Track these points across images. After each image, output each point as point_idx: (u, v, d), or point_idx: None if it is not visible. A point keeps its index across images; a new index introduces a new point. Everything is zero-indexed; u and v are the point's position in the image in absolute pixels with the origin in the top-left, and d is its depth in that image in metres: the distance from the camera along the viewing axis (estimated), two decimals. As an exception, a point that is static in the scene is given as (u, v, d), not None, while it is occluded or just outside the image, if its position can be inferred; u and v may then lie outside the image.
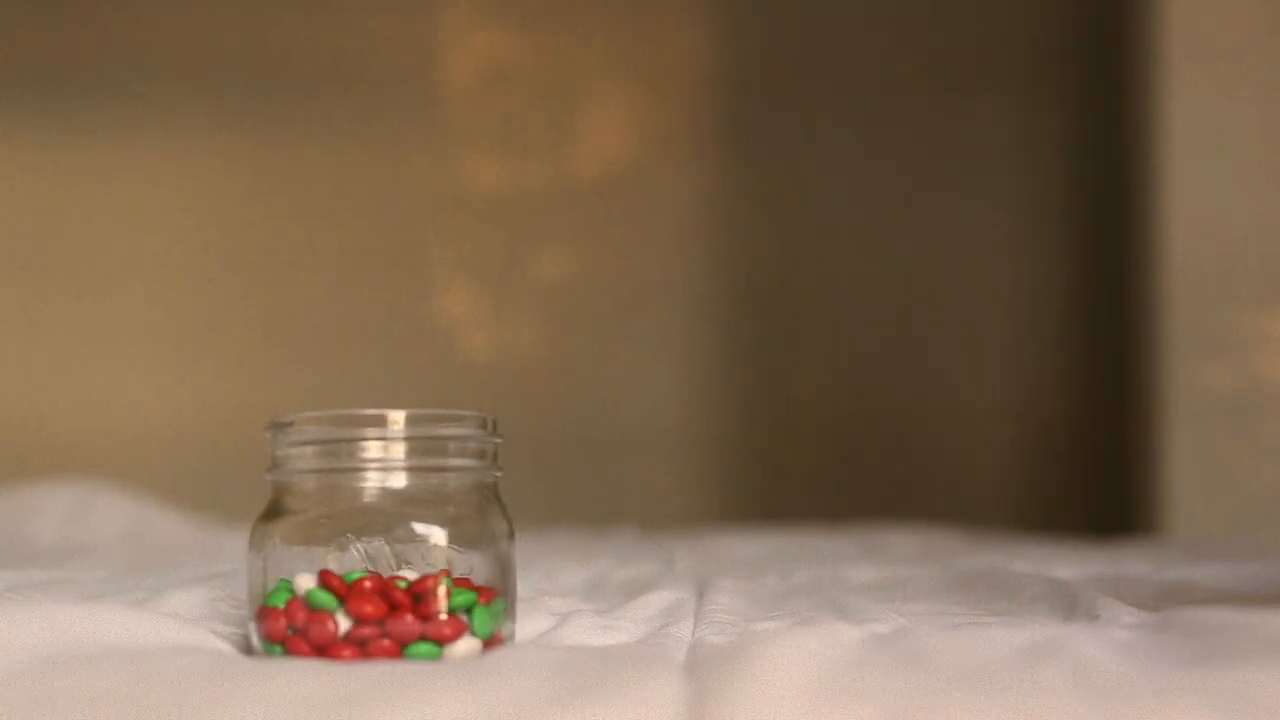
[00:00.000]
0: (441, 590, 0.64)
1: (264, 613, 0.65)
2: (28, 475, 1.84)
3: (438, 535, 0.65)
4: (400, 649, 0.63)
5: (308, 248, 2.28)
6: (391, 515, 0.66)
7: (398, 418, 0.67)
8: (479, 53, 2.30)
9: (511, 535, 0.69)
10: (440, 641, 0.64)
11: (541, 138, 2.29)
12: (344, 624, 0.63)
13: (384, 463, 0.66)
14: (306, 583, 0.65)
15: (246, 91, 2.27)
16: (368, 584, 0.64)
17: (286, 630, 0.64)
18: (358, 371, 2.26)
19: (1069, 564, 1.10)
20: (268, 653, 0.65)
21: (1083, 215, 2.24)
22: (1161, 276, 1.89)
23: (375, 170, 2.29)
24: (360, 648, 0.63)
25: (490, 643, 0.66)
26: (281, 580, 0.65)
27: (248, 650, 0.66)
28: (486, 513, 0.68)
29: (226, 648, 0.66)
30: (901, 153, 2.26)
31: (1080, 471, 2.22)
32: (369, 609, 0.63)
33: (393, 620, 0.63)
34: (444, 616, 0.64)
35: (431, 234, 2.29)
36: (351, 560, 0.66)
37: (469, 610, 0.65)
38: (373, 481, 0.66)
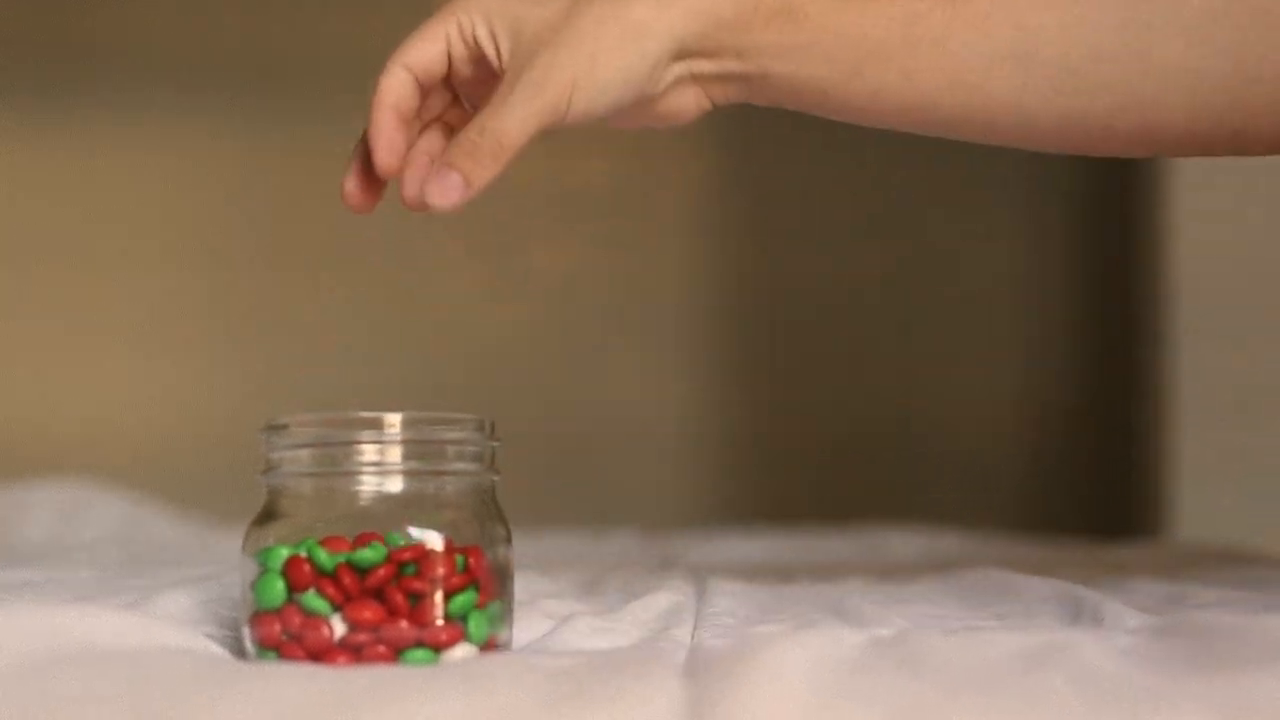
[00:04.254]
0: (438, 595, 0.64)
1: (257, 618, 0.64)
2: (18, 474, 1.83)
3: (434, 540, 0.65)
4: (395, 655, 0.63)
5: (302, 243, 2.26)
6: (387, 520, 0.65)
7: (394, 421, 0.66)
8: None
9: (509, 540, 0.68)
10: (436, 647, 0.63)
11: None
12: (339, 629, 0.63)
13: (380, 467, 0.66)
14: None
15: (240, 83, 2.26)
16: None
17: (281, 635, 0.63)
18: (353, 369, 2.25)
19: (1073, 567, 1.09)
20: (261, 658, 0.64)
21: (1085, 209, 2.23)
22: (1167, 271, 1.88)
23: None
24: (355, 653, 0.63)
25: (487, 648, 0.65)
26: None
27: (241, 655, 0.66)
28: (484, 517, 0.67)
29: (220, 651, 0.66)
30: (902, 148, 2.25)
31: (1084, 473, 2.21)
32: (367, 614, 0.62)
33: (388, 626, 0.63)
34: (440, 622, 0.64)
35: (427, 230, 2.28)
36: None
37: (465, 616, 0.64)
38: (369, 485, 0.66)
